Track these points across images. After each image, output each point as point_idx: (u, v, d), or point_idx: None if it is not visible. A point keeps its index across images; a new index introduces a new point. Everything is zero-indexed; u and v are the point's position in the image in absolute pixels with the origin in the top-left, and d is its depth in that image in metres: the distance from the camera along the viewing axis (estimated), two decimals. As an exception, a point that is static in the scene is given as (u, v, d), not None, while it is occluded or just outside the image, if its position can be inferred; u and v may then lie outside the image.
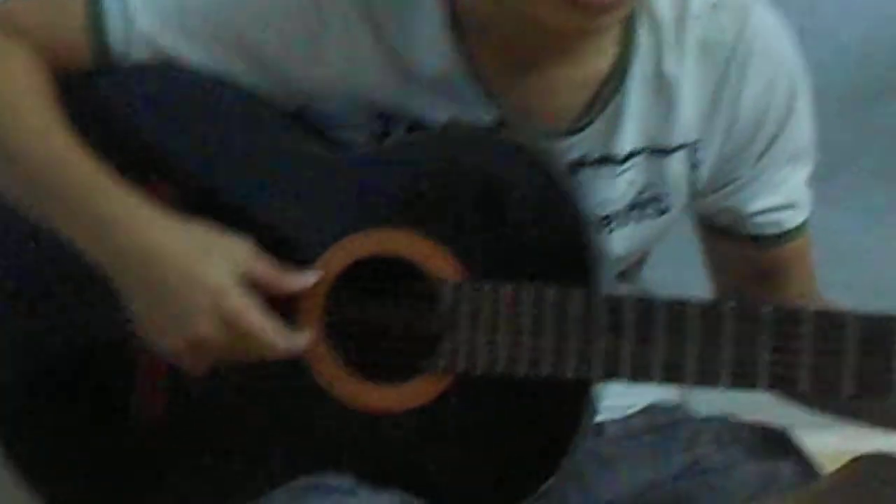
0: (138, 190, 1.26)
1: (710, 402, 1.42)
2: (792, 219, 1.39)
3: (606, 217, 1.34)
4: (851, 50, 1.78)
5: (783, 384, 1.21)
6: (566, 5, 1.17)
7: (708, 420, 1.43)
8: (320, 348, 1.28)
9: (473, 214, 1.26)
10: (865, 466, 1.29)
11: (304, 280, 1.27)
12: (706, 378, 1.21)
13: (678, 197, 1.36)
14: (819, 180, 1.77)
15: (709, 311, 1.21)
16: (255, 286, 1.25)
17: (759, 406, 1.43)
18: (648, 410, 1.45)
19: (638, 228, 1.36)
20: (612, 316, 1.22)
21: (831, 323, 1.19)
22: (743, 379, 1.21)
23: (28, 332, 1.36)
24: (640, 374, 1.22)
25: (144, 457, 1.34)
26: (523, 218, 1.26)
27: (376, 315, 1.31)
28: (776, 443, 1.41)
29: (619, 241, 1.36)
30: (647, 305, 1.22)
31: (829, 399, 1.32)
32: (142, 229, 1.25)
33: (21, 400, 1.37)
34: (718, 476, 1.36)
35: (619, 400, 1.42)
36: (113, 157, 1.27)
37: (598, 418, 1.38)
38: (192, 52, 1.30)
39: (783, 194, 1.38)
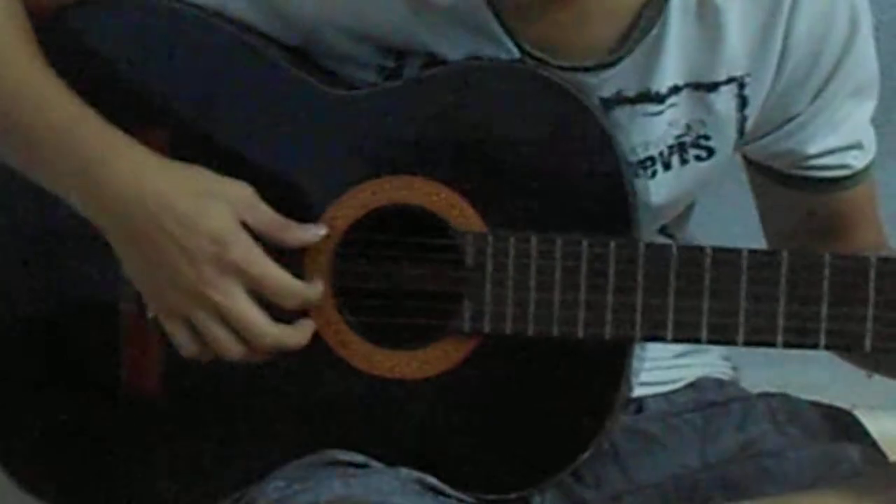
0: (120, 128, 1.24)
1: (765, 379, 1.44)
2: (857, 160, 1.35)
3: (647, 160, 1.30)
4: None
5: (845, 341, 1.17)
6: None
7: (763, 397, 1.40)
8: (329, 311, 1.24)
9: (496, 159, 1.24)
10: None
11: (310, 233, 1.23)
12: (761, 334, 1.17)
13: (725, 139, 1.32)
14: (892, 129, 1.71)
15: (761, 259, 1.17)
16: (255, 235, 1.22)
17: (819, 386, 1.47)
18: (695, 386, 1.41)
19: (682, 173, 1.32)
20: (654, 267, 1.18)
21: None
22: (802, 336, 1.16)
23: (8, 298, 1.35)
24: (685, 331, 1.18)
25: (137, 435, 1.32)
26: (552, 162, 1.23)
27: (391, 273, 1.27)
28: (840, 424, 1.38)
29: (662, 187, 1.32)
30: (693, 255, 1.19)
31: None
32: (134, 171, 1.22)
33: (14, 378, 1.36)
34: (774, 459, 1.32)
35: (662, 374, 1.40)
36: (98, 100, 1.25)
37: (638, 393, 1.37)
38: None
39: (846, 133, 1.34)
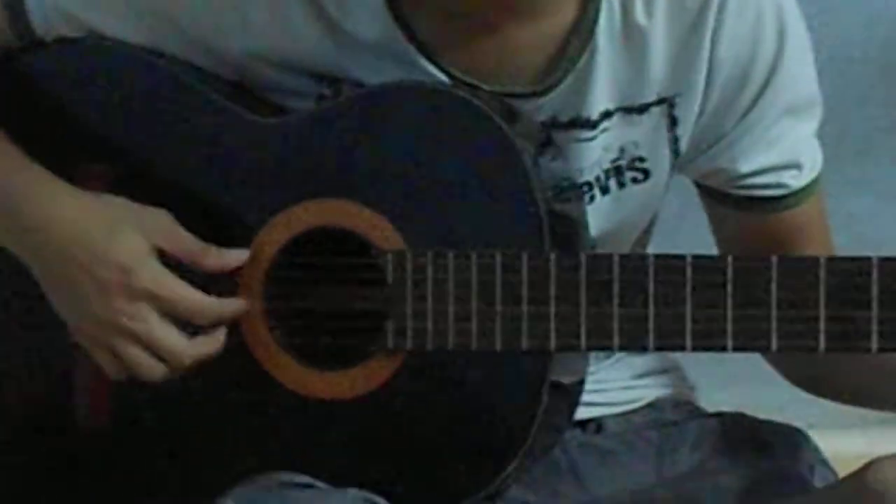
0: (67, 170, 1.26)
1: (722, 400, 1.46)
2: (795, 179, 1.34)
3: (584, 185, 1.31)
4: (884, 21, 1.78)
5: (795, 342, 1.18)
6: None
7: (719, 416, 1.41)
8: (263, 334, 1.26)
9: (414, 180, 1.24)
10: (884, 468, 1.25)
11: (230, 257, 1.25)
12: (672, 340, 1.18)
13: (660, 159, 1.32)
14: (849, 159, 1.73)
15: (669, 267, 1.17)
16: (176, 261, 1.24)
17: (775, 406, 1.49)
18: (653, 406, 1.42)
19: (621, 196, 1.33)
20: (567, 277, 1.19)
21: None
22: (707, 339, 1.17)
23: None
24: (598, 339, 1.18)
25: (93, 466, 1.33)
26: (467, 180, 1.23)
27: (319, 294, 1.28)
28: (792, 442, 1.38)
29: (603, 212, 1.32)
30: (603, 264, 1.19)
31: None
32: (48, 202, 1.25)
33: None
34: (728, 476, 1.34)
35: (620, 395, 1.41)
36: (38, 137, 1.27)
37: (597, 413, 1.39)
38: (117, 28, 1.30)
39: (781, 152, 1.33)
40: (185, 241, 1.25)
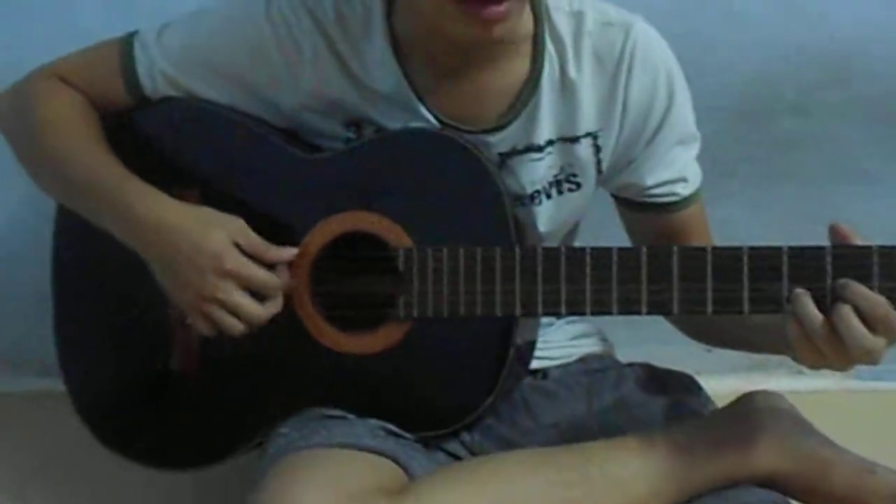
0: (163, 190, 1.34)
1: (633, 354, 1.56)
2: (684, 190, 1.43)
3: (534, 192, 1.40)
4: (740, 80, 1.84)
5: (660, 309, 1.26)
6: (467, 18, 1.23)
7: (632, 365, 1.51)
8: (309, 309, 1.35)
9: (419, 196, 1.33)
10: (752, 398, 1.38)
11: (284, 253, 1.34)
12: (602, 308, 1.27)
13: (588, 176, 1.41)
14: (718, 181, 1.73)
15: (601, 255, 1.27)
16: (247, 254, 1.31)
17: (673, 358, 1.55)
18: (584, 359, 1.52)
19: (560, 201, 1.42)
20: (526, 264, 1.28)
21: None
22: (627, 305, 1.26)
23: (100, 310, 1.45)
24: (550, 308, 1.29)
25: (184, 400, 1.41)
26: (457, 197, 1.32)
27: (350, 279, 1.36)
28: (684, 384, 1.48)
29: (547, 212, 1.42)
30: (553, 254, 1.28)
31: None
32: (158, 214, 1.32)
33: (91, 361, 1.46)
34: (639, 409, 1.44)
35: (560, 352, 1.52)
36: (149, 170, 1.36)
37: (544, 365, 1.49)
38: (203, 89, 1.39)
39: (675, 170, 1.42)
40: (255, 239, 1.33)
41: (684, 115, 1.43)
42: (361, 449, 1.30)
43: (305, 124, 1.41)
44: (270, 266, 1.34)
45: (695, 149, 1.45)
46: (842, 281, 1.21)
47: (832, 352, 1.19)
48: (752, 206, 1.94)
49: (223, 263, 1.30)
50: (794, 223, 1.80)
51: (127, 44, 1.43)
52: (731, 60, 1.83)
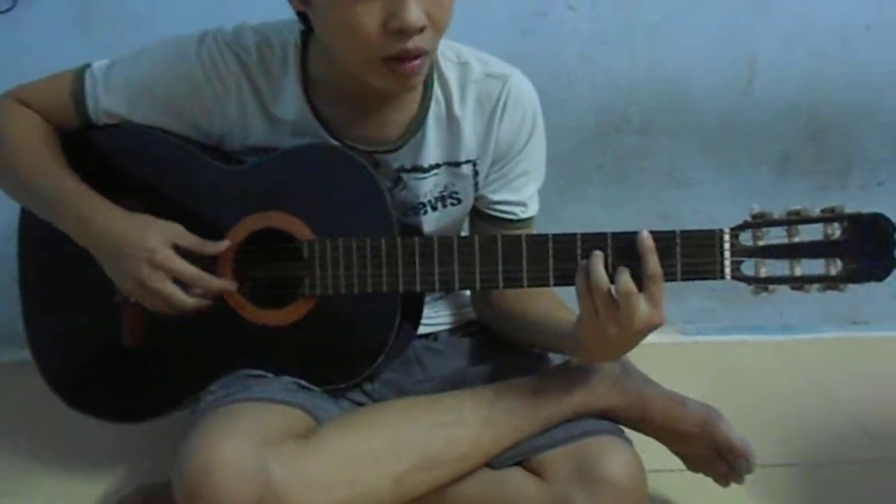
0: (112, 199, 1.28)
1: None
2: (521, 213, 1.38)
3: (419, 205, 1.36)
4: (595, 105, 1.86)
5: (513, 284, 1.22)
6: (389, 73, 1.19)
7: None
8: (234, 291, 1.29)
9: (319, 199, 1.28)
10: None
11: (219, 247, 1.29)
12: (466, 284, 1.24)
13: (467, 194, 1.37)
14: (577, 186, 1.81)
15: (465, 243, 1.24)
16: (185, 253, 1.27)
17: None
18: (467, 324, 1.48)
19: (444, 212, 1.38)
20: (406, 252, 1.25)
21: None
22: (488, 282, 1.23)
23: (61, 291, 1.39)
24: (427, 286, 1.24)
25: (131, 368, 1.36)
26: (350, 199, 1.27)
27: (265, 266, 1.32)
28: None
29: (432, 220, 1.38)
30: (428, 243, 1.25)
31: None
32: (105, 219, 1.28)
33: (55, 334, 1.40)
34: (505, 363, 1.39)
35: (447, 318, 1.48)
36: (104, 183, 1.30)
37: (434, 329, 1.45)
38: (144, 117, 1.33)
39: (517, 195, 1.37)
40: (192, 239, 1.27)
41: (537, 153, 1.38)
42: (276, 401, 1.26)
43: (229, 145, 1.35)
44: (201, 260, 1.28)
45: (538, 182, 1.39)
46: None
47: (607, 313, 1.15)
48: (606, 205, 1.94)
49: (154, 256, 1.24)
50: (639, 218, 1.90)
51: (79, 78, 1.34)
52: (586, 92, 1.84)
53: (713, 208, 1.94)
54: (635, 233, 1.16)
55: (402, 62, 1.17)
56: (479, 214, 1.39)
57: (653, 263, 1.15)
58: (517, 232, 1.35)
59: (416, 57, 1.17)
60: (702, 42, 1.86)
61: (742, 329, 2.04)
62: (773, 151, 1.94)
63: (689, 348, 1.98)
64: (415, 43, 1.16)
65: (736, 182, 1.96)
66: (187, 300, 1.27)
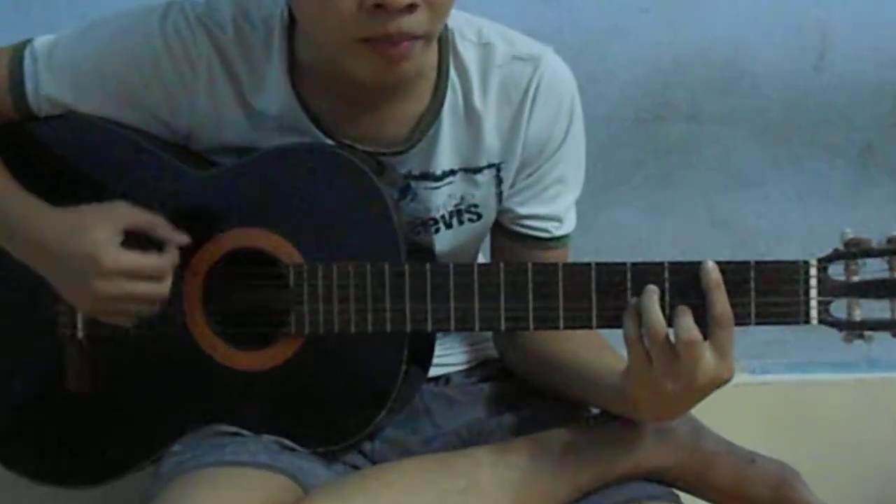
0: (56, 205, 1.23)
1: None
2: (556, 230, 1.34)
3: (430, 220, 1.31)
4: (633, 88, 1.83)
5: (546, 325, 1.19)
6: (370, 56, 1.15)
7: None
8: (202, 326, 1.26)
9: (308, 213, 1.24)
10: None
11: (182, 238, 1.23)
12: (489, 324, 1.19)
13: (488, 207, 1.32)
14: (614, 186, 1.80)
15: (487, 272, 1.19)
16: (138, 233, 1.21)
17: None
18: (485, 364, 1.43)
19: (459, 231, 1.33)
20: (415, 282, 1.20)
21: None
22: (515, 322, 1.19)
23: None
24: (440, 325, 1.20)
25: (77, 418, 1.32)
26: (347, 214, 1.23)
27: (242, 296, 1.27)
28: None
29: (446, 239, 1.32)
30: (442, 271, 1.20)
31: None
32: (39, 222, 1.23)
33: None
34: (532, 410, 1.35)
35: (460, 357, 1.43)
36: (43, 185, 1.26)
37: (445, 371, 1.41)
38: (94, 107, 1.28)
39: (550, 208, 1.33)
40: (143, 215, 1.22)
41: (576, 154, 1.34)
42: (254, 466, 1.21)
43: (198, 144, 1.30)
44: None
45: (576, 191, 1.36)
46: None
47: (663, 364, 1.11)
48: (645, 209, 1.89)
49: (101, 263, 1.19)
50: (687, 226, 1.85)
51: (17, 57, 1.28)
52: (620, 72, 1.80)
53: (778, 213, 1.88)
54: (698, 263, 1.13)
55: (389, 45, 1.14)
56: (503, 231, 1.36)
57: (721, 303, 1.11)
58: (550, 253, 1.33)
59: (407, 39, 1.14)
60: (762, 7, 1.84)
61: (819, 366, 1.99)
62: (852, 142, 1.90)
63: (755, 389, 1.93)
64: (400, 26, 1.12)
65: (805, 180, 1.91)
66: (163, 288, 1.22)
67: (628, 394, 1.16)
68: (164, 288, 1.21)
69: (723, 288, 1.11)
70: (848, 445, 1.76)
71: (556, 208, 1.34)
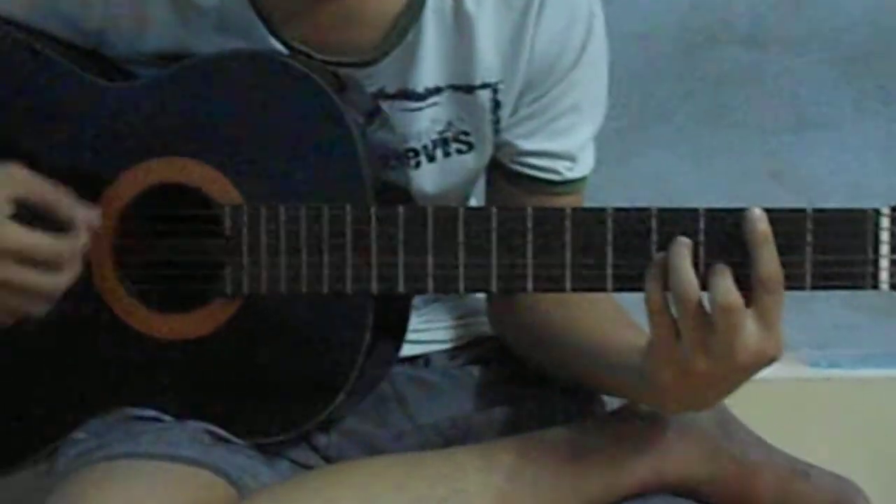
0: None
1: None
2: (569, 171, 1.33)
3: (409, 151, 1.28)
4: (675, 6, 1.83)
5: (548, 285, 1.15)
6: None
7: None
8: (113, 282, 1.22)
9: (250, 140, 1.20)
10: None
11: (88, 215, 1.19)
12: (477, 283, 1.16)
13: (482, 136, 1.30)
14: (651, 124, 1.74)
15: (475, 216, 1.15)
16: (36, 208, 1.18)
17: None
18: (476, 343, 1.40)
19: (446, 164, 1.31)
20: (385, 228, 1.16)
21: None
22: (511, 282, 1.15)
23: None
24: (415, 285, 1.17)
25: None
26: (295, 139, 1.20)
27: (163, 245, 1.24)
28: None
29: (428, 177, 1.30)
30: (418, 215, 1.16)
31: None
32: None
33: None
34: (536, 406, 1.32)
35: (444, 333, 1.40)
36: None
37: (425, 350, 1.38)
38: None
39: (561, 143, 1.32)
40: (41, 186, 1.19)
41: (592, 76, 1.31)
42: (176, 460, 1.17)
43: (112, 47, 1.26)
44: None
45: (595, 123, 1.35)
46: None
47: (694, 336, 1.07)
48: (690, 155, 1.88)
49: None
50: (740, 177, 1.83)
51: None
52: None
53: (857, 164, 1.86)
54: (742, 210, 1.09)
55: None
56: (503, 172, 1.34)
57: (767, 261, 1.07)
58: (559, 200, 1.30)
59: None
60: None
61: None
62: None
63: (817, 387, 1.91)
64: None
65: (891, 124, 1.90)
66: (59, 281, 1.18)
67: (650, 376, 1.12)
68: (60, 281, 1.18)
69: (771, 242, 1.07)
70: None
71: (569, 144, 1.31)
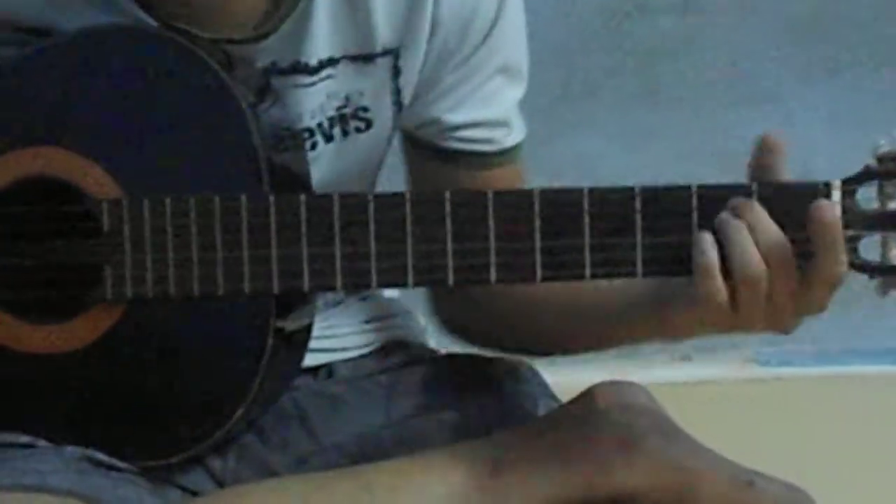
0: None
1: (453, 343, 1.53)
2: (504, 137, 1.40)
3: (304, 130, 1.34)
4: None
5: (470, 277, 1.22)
6: None
7: (451, 357, 1.48)
8: None
9: (128, 126, 1.25)
10: (598, 393, 1.36)
11: None
12: (391, 277, 1.22)
13: (383, 110, 1.37)
14: (576, 102, 1.84)
15: (387, 202, 1.21)
16: None
17: None
18: (384, 350, 1.47)
19: (345, 145, 1.37)
20: (284, 219, 1.22)
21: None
22: (429, 274, 1.22)
23: None
24: (321, 282, 1.22)
25: None
26: (183, 128, 1.25)
27: (32, 246, 1.27)
28: (517, 377, 1.45)
29: (326, 159, 1.36)
30: (324, 203, 1.21)
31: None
32: None
33: None
34: (450, 412, 1.39)
35: (350, 340, 1.46)
36: None
37: (329, 359, 1.44)
38: None
39: (493, 110, 1.39)
40: None
41: (513, 38, 1.39)
42: (43, 490, 1.21)
43: None
44: None
45: (520, 87, 1.42)
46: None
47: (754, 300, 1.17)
48: (620, 135, 1.95)
49: None
50: (676, 157, 1.89)
51: None
52: None
53: (803, 138, 1.91)
54: (730, 188, 1.19)
55: None
56: (433, 151, 1.41)
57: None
58: (500, 172, 1.38)
59: None
60: None
61: (853, 355, 2.04)
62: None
63: (767, 387, 1.97)
64: None
65: (839, 95, 1.97)
66: None
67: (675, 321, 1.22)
68: None
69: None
70: (891, 463, 1.82)
71: (500, 109, 1.39)
